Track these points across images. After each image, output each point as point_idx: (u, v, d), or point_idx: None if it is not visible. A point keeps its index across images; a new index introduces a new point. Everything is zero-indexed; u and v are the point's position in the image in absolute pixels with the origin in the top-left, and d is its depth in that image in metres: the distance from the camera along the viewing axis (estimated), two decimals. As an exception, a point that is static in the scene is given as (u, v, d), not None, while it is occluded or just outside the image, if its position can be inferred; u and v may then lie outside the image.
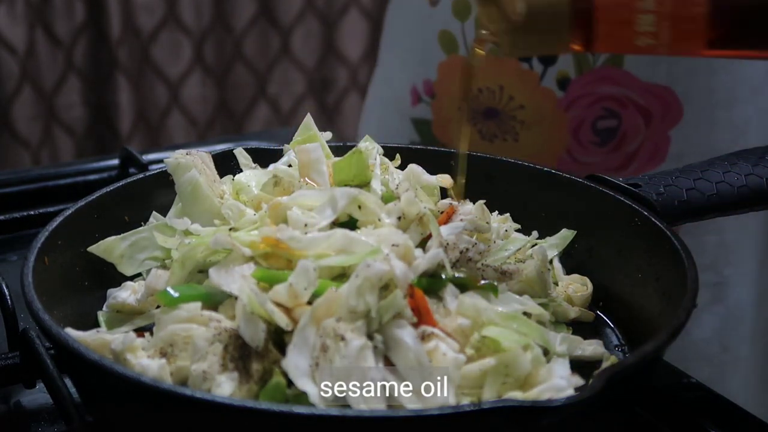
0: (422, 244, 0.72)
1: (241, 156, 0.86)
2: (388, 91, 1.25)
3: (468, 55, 0.75)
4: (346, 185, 0.76)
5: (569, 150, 1.08)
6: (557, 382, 0.62)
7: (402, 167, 0.84)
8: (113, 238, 0.76)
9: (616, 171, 1.07)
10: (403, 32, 1.21)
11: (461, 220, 0.76)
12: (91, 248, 0.76)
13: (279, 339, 0.63)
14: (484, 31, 0.73)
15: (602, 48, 0.70)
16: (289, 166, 0.82)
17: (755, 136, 1.08)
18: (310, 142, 0.83)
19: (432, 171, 0.83)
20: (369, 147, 0.83)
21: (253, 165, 0.86)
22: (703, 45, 0.69)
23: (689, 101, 1.06)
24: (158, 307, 0.71)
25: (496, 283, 0.71)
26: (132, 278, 0.77)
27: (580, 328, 0.75)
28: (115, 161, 1.12)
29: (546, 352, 0.67)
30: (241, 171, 0.84)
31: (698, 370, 0.99)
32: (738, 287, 1.13)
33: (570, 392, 0.61)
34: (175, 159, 0.78)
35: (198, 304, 0.66)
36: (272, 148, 0.89)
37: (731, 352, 1.14)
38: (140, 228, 0.78)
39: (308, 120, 0.86)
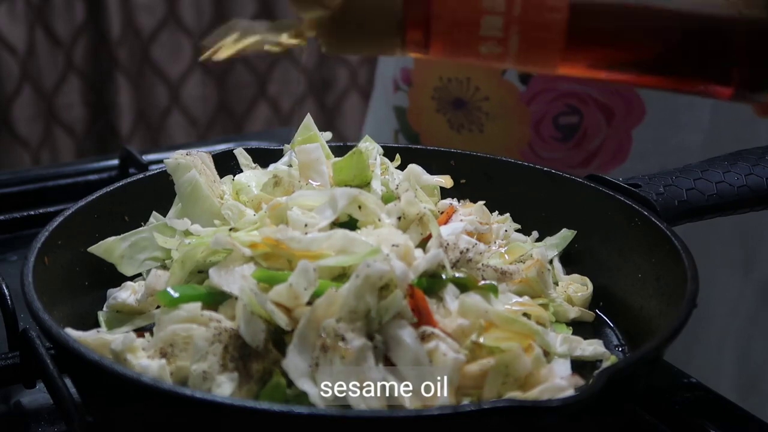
0: (422, 244, 0.72)
1: (241, 156, 0.86)
2: (381, 83, 1.26)
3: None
4: (346, 185, 0.76)
5: (531, 144, 1.09)
6: (557, 383, 0.62)
7: (402, 167, 0.84)
8: (113, 238, 0.76)
9: (578, 167, 1.08)
10: None
11: (461, 220, 0.76)
12: (91, 248, 0.76)
13: (279, 339, 0.63)
14: (302, 24, 0.59)
15: (439, 52, 0.58)
16: (290, 166, 0.82)
17: (728, 141, 1.06)
18: (310, 142, 0.83)
19: (432, 171, 0.83)
20: (369, 147, 0.83)
21: (253, 165, 0.86)
22: (557, 60, 0.57)
23: (652, 102, 1.06)
24: (158, 307, 0.71)
25: (496, 284, 0.71)
26: (132, 278, 0.77)
27: (580, 328, 0.75)
28: (115, 161, 1.12)
29: (547, 353, 0.67)
30: (241, 171, 0.84)
31: (698, 369, 0.99)
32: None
33: (570, 392, 0.61)
34: (174, 160, 0.78)
35: (198, 304, 0.66)
36: (272, 148, 0.89)
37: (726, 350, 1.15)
38: (140, 228, 0.78)
39: (308, 120, 0.86)
